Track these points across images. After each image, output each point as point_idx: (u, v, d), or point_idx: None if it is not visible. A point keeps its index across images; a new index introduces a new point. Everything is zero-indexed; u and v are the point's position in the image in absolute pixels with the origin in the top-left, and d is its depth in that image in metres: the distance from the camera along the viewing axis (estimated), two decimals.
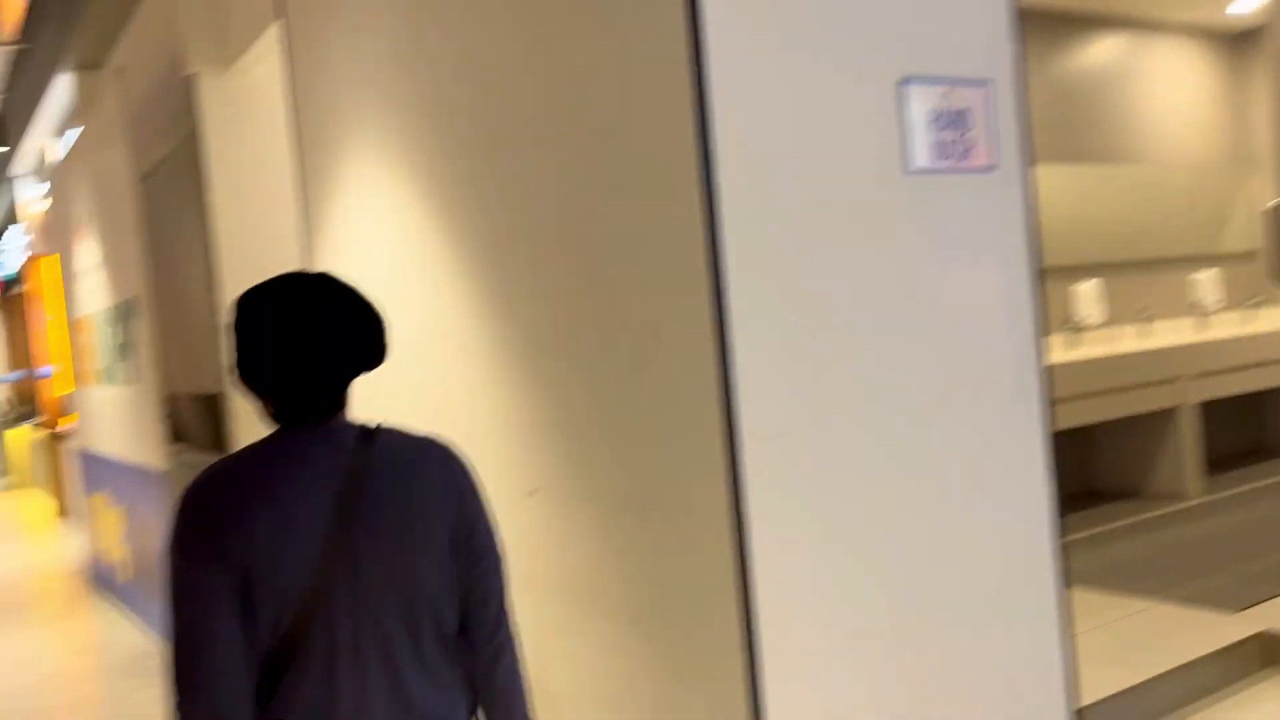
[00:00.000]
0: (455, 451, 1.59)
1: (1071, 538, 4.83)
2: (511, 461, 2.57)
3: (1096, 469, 5.81)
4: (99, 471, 6.77)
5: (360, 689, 1.42)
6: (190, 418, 4.65)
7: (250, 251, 4.66)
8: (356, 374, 1.50)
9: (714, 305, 1.87)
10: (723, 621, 1.94)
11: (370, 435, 1.50)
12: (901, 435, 2.11)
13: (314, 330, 1.45)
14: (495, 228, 2.54)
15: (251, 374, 1.46)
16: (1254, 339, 5.56)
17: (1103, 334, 5.79)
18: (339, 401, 1.51)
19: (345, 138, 3.29)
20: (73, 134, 7.15)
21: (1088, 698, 2.81)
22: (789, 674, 1.94)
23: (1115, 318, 5.89)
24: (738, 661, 1.91)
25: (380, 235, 3.13)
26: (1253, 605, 3.55)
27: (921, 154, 2.13)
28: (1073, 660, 2.37)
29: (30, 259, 11.26)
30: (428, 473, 1.51)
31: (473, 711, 1.56)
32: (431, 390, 2.93)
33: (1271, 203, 2.88)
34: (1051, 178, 5.57)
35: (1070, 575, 4.01)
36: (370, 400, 3.33)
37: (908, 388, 2.12)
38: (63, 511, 10.86)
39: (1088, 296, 5.69)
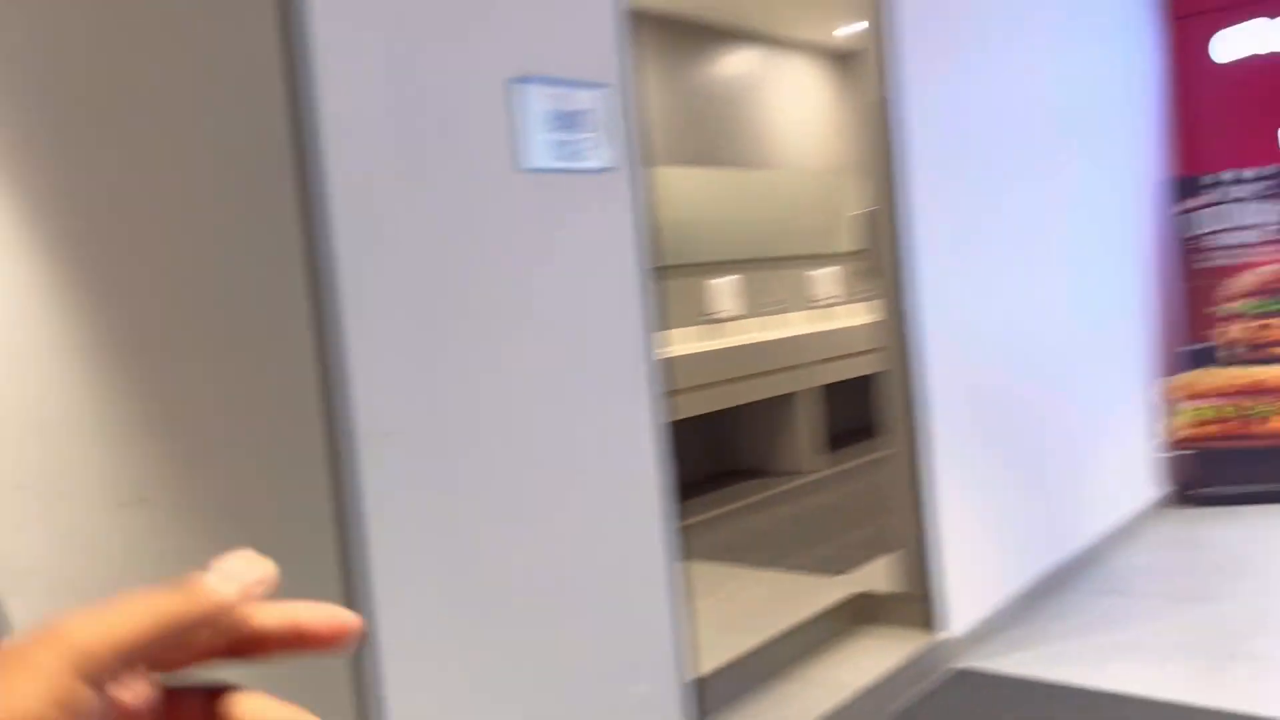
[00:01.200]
0: None
1: (703, 516, 5.17)
2: (108, 468, 2.35)
3: (737, 450, 6.26)
4: None
5: None
6: None
7: None
8: None
9: (313, 305, 1.81)
10: None
11: None
12: (517, 430, 2.15)
13: None
14: (77, 220, 2.31)
15: None
16: (863, 328, 6.22)
17: (739, 325, 6.25)
18: None
19: None
20: None
21: (710, 664, 3.02)
22: (408, 681, 1.92)
23: (752, 310, 6.37)
24: (346, 664, 1.87)
25: None
26: (852, 570, 3.98)
27: (535, 153, 2.18)
28: (688, 633, 2.54)
29: None
30: None
31: None
32: (21, 393, 2.62)
33: (864, 210, 3.26)
34: (688, 180, 5.92)
35: (701, 551, 4.30)
36: None
37: (523, 383, 2.17)
38: None
39: (724, 291, 6.11)
